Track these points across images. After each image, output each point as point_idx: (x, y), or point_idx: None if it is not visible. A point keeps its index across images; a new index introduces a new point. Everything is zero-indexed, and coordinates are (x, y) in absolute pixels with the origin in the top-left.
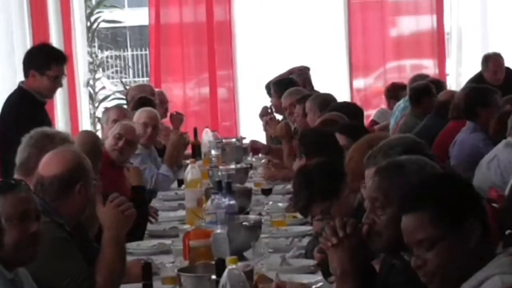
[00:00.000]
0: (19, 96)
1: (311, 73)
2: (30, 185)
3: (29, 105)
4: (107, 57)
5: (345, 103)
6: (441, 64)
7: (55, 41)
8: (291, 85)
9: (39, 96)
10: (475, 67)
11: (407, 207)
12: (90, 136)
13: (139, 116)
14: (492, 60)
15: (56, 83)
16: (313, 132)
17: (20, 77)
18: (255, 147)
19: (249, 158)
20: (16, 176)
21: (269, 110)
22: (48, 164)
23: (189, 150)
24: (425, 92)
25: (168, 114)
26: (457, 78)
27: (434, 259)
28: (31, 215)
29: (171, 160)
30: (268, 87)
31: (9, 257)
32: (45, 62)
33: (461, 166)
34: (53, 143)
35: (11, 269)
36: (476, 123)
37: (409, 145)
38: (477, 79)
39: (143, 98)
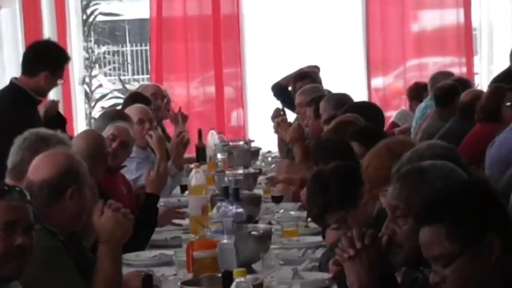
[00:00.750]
0: (12, 93)
1: (325, 71)
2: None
3: (25, 104)
4: (104, 52)
5: (362, 103)
6: (469, 62)
7: (48, 35)
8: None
9: (35, 95)
10: (507, 65)
11: (422, 219)
12: (95, 138)
13: (131, 114)
14: None
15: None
16: (323, 142)
17: (10, 73)
18: None
19: (258, 163)
20: (7, 180)
21: (282, 112)
22: (38, 168)
23: (193, 153)
24: (452, 92)
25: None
26: (488, 77)
27: (452, 275)
28: (18, 226)
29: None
30: (275, 88)
31: None
32: (62, 65)
33: (497, 166)
34: (48, 146)
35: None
36: None
37: (441, 155)
38: (504, 76)
39: (137, 95)
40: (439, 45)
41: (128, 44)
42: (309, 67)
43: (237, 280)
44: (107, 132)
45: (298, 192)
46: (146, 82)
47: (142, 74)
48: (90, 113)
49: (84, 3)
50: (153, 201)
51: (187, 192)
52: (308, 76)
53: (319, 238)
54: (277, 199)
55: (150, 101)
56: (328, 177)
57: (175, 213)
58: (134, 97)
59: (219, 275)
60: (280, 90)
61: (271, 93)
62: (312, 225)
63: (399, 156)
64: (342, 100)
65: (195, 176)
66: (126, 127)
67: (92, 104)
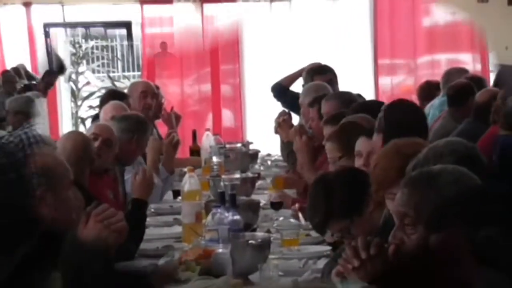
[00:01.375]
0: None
1: None
2: None
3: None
4: (92, 47)
5: (371, 102)
6: (483, 58)
7: None
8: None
9: None
10: None
11: (433, 226)
12: (82, 140)
13: (106, 111)
14: None
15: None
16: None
17: None
18: None
19: (256, 166)
20: None
21: (286, 116)
22: None
23: (186, 155)
24: (466, 92)
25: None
26: None
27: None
28: None
29: (154, 164)
30: (275, 89)
31: None
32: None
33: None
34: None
35: None
36: None
37: (462, 153)
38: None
39: (113, 92)
40: (452, 40)
41: (118, 39)
42: (312, 64)
43: None
44: (88, 131)
45: (296, 201)
46: (137, 79)
47: (133, 71)
48: (77, 112)
49: None
50: (141, 207)
51: (180, 197)
52: (329, 70)
53: (321, 248)
54: (276, 206)
55: (127, 96)
56: (332, 182)
57: None
58: (111, 94)
59: None
60: (281, 90)
61: (271, 94)
62: (314, 233)
63: (408, 156)
64: (348, 98)
65: (189, 181)
66: (107, 125)
67: (79, 103)
